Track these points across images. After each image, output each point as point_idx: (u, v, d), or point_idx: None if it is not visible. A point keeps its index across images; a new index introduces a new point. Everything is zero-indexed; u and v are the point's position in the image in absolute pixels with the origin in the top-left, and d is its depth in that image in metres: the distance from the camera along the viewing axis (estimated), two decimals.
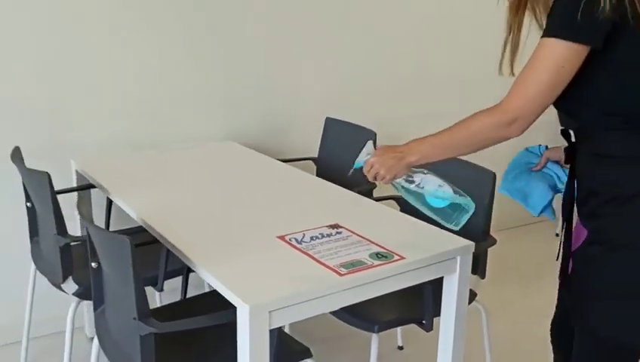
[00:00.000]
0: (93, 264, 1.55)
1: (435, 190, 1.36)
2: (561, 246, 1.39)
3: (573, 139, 1.33)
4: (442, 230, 1.63)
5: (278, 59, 2.68)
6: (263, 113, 2.70)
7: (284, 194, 1.98)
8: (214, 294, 1.86)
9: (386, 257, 1.45)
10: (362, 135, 2.39)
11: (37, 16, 2.17)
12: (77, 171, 2.21)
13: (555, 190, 1.46)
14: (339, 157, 2.52)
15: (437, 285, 1.60)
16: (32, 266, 2.06)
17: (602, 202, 1.23)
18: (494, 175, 1.81)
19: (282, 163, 2.34)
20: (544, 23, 1.22)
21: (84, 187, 2.14)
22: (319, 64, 2.78)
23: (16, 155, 1.92)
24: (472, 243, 1.55)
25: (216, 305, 1.41)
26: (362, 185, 2.22)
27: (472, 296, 1.83)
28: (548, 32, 1.17)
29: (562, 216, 1.38)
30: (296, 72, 2.74)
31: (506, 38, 1.32)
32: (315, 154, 2.64)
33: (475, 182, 1.82)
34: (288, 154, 2.62)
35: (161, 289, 1.85)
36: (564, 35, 1.14)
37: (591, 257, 1.27)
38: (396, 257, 1.45)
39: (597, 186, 1.25)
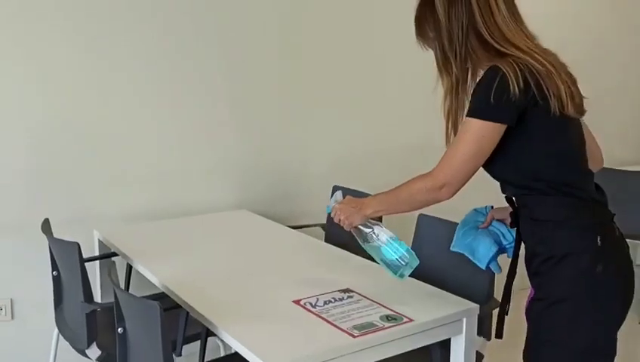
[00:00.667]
0: (119, 329, 1.64)
1: (388, 242, 1.56)
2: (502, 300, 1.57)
3: (516, 204, 1.50)
4: (448, 293, 1.73)
5: (286, 131, 2.85)
6: (272, 182, 2.84)
7: (296, 260, 2.09)
8: (232, 357, 1.94)
9: (395, 319, 1.54)
10: None
11: (62, 91, 2.35)
12: (100, 240, 2.33)
13: (500, 245, 1.58)
14: None
15: (444, 347, 1.68)
16: (55, 332, 2.15)
17: (541, 261, 1.40)
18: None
19: (293, 229, 2.46)
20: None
21: (108, 255, 2.26)
22: (326, 134, 2.95)
23: (46, 226, 2.05)
24: (476, 306, 1.64)
25: None
26: None
27: (479, 357, 1.90)
28: (469, 113, 1.39)
29: (508, 273, 1.56)
30: (304, 142, 2.91)
31: (448, 118, 1.52)
32: (324, 221, 2.75)
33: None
34: (298, 221, 2.74)
35: (179, 354, 1.92)
36: (481, 115, 1.36)
37: (534, 312, 1.43)
38: (405, 319, 1.54)
39: (536, 247, 1.42)
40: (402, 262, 1.55)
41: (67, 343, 2.02)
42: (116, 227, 2.42)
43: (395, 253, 1.55)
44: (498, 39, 1.39)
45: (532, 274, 1.44)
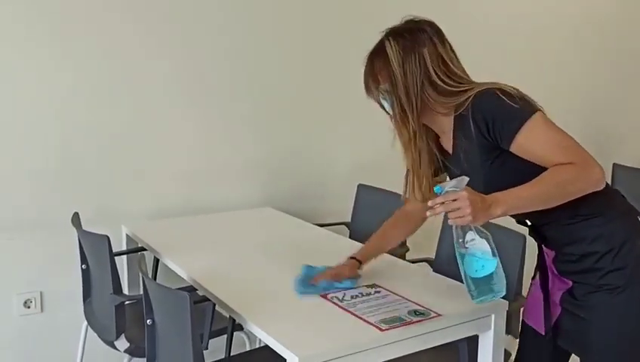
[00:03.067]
0: (148, 321, 1.66)
1: (482, 254, 1.35)
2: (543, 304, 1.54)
3: (529, 223, 1.53)
4: None
5: (311, 131, 2.86)
6: (297, 181, 2.85)
7: (322, 255, 2.08)
8: (259, 351, 1.95)
9: (423, 314, 1.53)
10: (392, 200, 2.51)
11: (94, 92, 2.39)
12: (127, 235, 2.36)
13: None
14: (371, 222, 2.62)
15: (472, 345, 1.67)
16: (84, 324, 2.18)
17: (599, 258, 1.41)
18: (525, 237, 1.89)
19: (318, 227, 2.46)
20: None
21: (136, 250, 2.28)
22: (352, 134, 2.96)
23: (76, 220, 2.08)
24: (505, 302, 1.63)
25: (261, 361, 1.50)
26: (395, 249, 2.32)
27: (507, 355, 1.87)
28: (516, 122, 1.35)
29: (541, 284, 1.56)
30: (330, 142, 2.91)
31: (413, 171, 1.56)
32: (348, 219, 2.75)
33: (506, 245, 1.91)
34: (322, 219, 2.74)
35: (206, 347, 1.93)
36: (529, 114, 1.35)
37: (597, 304, 1.42)
38: (433, 314, 1.53)
39: (589, 247, 1.42)
40: (485, 285, 1.36)
41: (96, 335, 2.05)
42: (144, 223, 2.45)
43: (483, 273, 1.35)
44: (457, 83, 1.44)
45: (587, 271, 1.43)
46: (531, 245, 1.66)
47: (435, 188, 1.35)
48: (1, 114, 2.24)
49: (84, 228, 2.05)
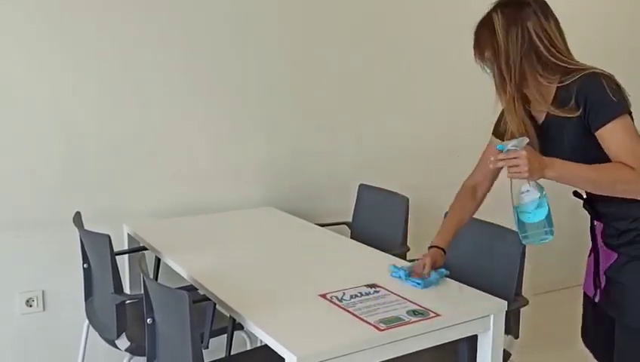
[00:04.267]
0: (148, 320, 1.67)
1: (532, 202, 1.47)
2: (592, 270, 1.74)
3: (585, 196, 1.70)
4: (476, 290, 1.72)
5: (313, 131, 2.86)
6: (299, 180, 2.86)
7: (323, 255, 2.10)
8: (259, 350, 1.95)
9: (422, 314, 1.53)
10: (394, 200, 2.52)
11: (96, 92, 2.40)
12: (129, 234, 2.37)
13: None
14: (372, 222, 2.63)
15: (471, 345, 1.67)
16: (85, 323, 2.19)
17: (636, 234, 1.59)
18: None
19: (319, 226, 2.47)
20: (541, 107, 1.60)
21: (137, 249, 2.29)
22: (352, 134, 2.96)
23: (77, 220, 2.09)
24: (504, 302, 1.63)
25: (261, 360, 1.50)
26: (396, 249, 2.33)
27: (507, 356, 1.88)
28: (609, 113, 1.49)
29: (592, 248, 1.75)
30: (331, 142, 2.91)
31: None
32: (350, 219, 2.76)
33: (505, 244, 1.91)
34: (323, 219, 2.75)
35: (206, 346, 1.94)
36: (620, 114, 1.49)
37: (632, 271, 1.60)
38: (432, 314, 1.54)
39: (626, 225, 1.61)
40: (536, 230, 1.49)
41: (97, 334, 2.06)
42: (145, 222, 2.46)
43: (535, 218, 1.48)
44: (562, 58, 1.56)
45: (628, 244, 1.61)
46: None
47: (497, 146, 1.49)
48: (4, 114, 2.25)
49: (85, 227, 2.06)
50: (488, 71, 1.64)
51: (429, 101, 3.10)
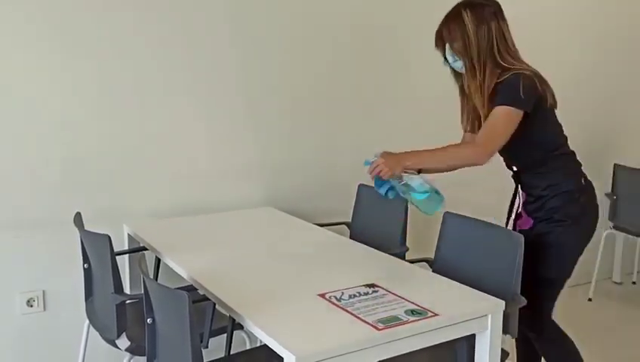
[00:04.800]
0: (148, 320, 1.68)
1: (419, 185, 1.85)
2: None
3: (515, 169, 2.12)
4: (473, 289, 1.73)
5: (312, 131, 2.87)
6: (298, 180, 2.87)
7: (321, 255, 2.11)
8: (259, 350, 1.97)
9: (420, 314, 1.55)
10: (392, 200, 2.52)
11: (97, 92, 2.41)
12: (129, 235, 2.38)
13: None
14: (371, 222, 2.64)
15: (469, 344, 1.68)
16: (86, 323, 2.20)
17: (550, 198, 2.01)
18: (522, 238, 1.90)
19: (318, 226, 2.48)
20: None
21: (137, 249, 2.30)
22: (352, 134, 2.97)
23: (78, 220, 2.10)
24: (502, 302, 1.64)
25: (260, 360, 1.51)
26: (396, 249, 2.34)
27: (505, 355, 1.89)
28: (503, 102, 1.89)
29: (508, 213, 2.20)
30: (330, 142, 2.92)
31: (472, 110, 2.05)
32: (349, 219, 2.77)
33: (503, 245, 1.92)
34: (323, 219, 2.76)
35: (206, 346, 1.95)
36: (513, 104, 1.88)
37: (542, 232, 2.05)
38: (430, 314, 1.55)
39: (546, 190, 2.02)
40: (430, 202, 1.84)
41: (97, 334, 2.07)
42: (145, 222, 2.47)
43: (426, 193, 1.83)
44: (507, 59, 1.93)
45: (538, 209, 2.05)
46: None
47: (364, 163, 1.91)
48: (4, 114, 2.26)
49: (86, 227, 2.07)
50: (451, 60, 1.99)
51: (429, 101, 3.11)
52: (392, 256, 2.07)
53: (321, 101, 2.89)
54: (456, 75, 2.07)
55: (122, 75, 2.44)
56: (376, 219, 2.60)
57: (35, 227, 2.35)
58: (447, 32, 1.96)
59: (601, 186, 3.75)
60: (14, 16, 2.23)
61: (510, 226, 2.17)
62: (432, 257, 2.20)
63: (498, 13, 1.94)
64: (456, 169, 2.00)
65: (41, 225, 2.36)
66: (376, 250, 2.13)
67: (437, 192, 1.84)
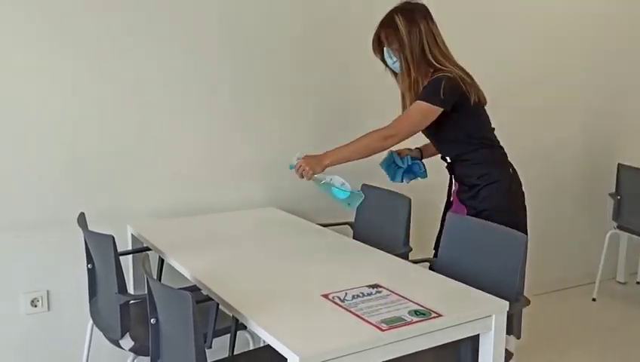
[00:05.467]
0: (152, 320, 1.68)
1: (341, 184, 2.10)
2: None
3: (449, 160, 2.30)
4: (477, 290, 1.73)
5: (315, 131, 2.87)
6: (301, 181, 2.84)
7: (325, 256, 2.11)
8: (262, 350, 1.97)
9: (424, 314, 1.54)
10: (396, 201, 2.52)
11: (99, 94, 2.42)
12: (132, 235, 2.38)
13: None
14: (374, 222, 2.64)
15: (473, 345, 1.68)
16: (90, 323, 2.21)
17: (482, 187, 2.18)
18: (526, 239, 1.90)
19: (321, 227, 2.48)
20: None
21: (141, 249, 2.31)
22: (356, 133, 2.96)
23: (82, 220, 2.11)
24: (506, 302, 1.63)
25: (263, 360, 1.51)
26: (399, 249, 2.34)
27: (509, 356, 1.88)
28: (423, 98, 2.10)
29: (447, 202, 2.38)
30: (334, 141, 2.91)
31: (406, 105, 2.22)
32: (352, 219, 2.76)
33: (506, 244, 1.92)
34: (326, 219, 2.76)
35: (209, 346, 1.95)
36: (431, 102, 2.09)
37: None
38: (434, 314, 1.54)
39: (477, 180, 2.19)
40: (352, 200, 2.10)
41: (101, 334, 2.08)
42: (149, 223, 2.48)
43: (345, 192, 2.10)
44: (437, 58, 2.13)
45: (472, 197, 2.21)
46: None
47: (289, 167, 2.11)
48: (7, 116, 2.27)
49: (89, 228, 2.07)
50: (390, 62, 2.21)
51: None
52: (395, 257, 2.07)
53: (325, 100, 2.89)
54: (397, 77, 2.26)
55: (123, 76, 2.44)
56: (380, 220, 2.60)
57: (39, 228, 2.36)
58: (384, 36, 2.17)
59: (605, 186, 3.77)
60: (14, 16, 2.24)
61: (441, 212, 2.38)
62: (436, 258, 2.20)
63: (427, 15, 2.15)
64: (374, 154, 2.18)
65: (44, 225, 2.36)
66: (379, 251, 2.13)
67: (357, 191, 2.11)
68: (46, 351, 2.42)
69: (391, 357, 1.48)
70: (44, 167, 2.34)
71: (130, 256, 2.41)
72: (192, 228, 2.40)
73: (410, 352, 1.50)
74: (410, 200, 2.47)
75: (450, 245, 2.13)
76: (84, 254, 2.17)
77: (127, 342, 1.92)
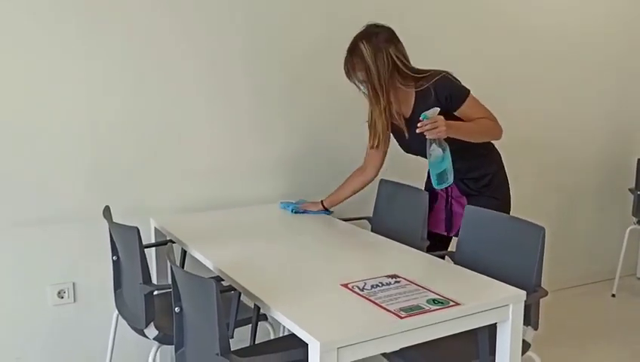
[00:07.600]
0: (176, 309, 1.73)
1: (444, 157, 2.07)
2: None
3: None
4: (495, 280, 1.75)
5: (334, 127, 2.91)
6: (320, 176, 2.90)
7: (344, 247, 2.14)
8: (283, 339, 2.01)
9: (442, 303, 1.57)
10: (414, 195, 2.54)
11: (124, 91, 2.48)
12: (156, 229, 2.44)
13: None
14: (392, 217, 2.66)
15: (491, 334, 1.70)
16: (115, 313, 2.27)
17: (483, 177, 2.34)
18: (544, 230, 1.91)
19: (340, 220, 2.51)
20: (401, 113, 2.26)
21: (164, 242, 2.36)
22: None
23: (107, 213, 2.17)
24: (523, 292, 1.65)
25: (285, 348, 1.55)
26: (417, 243, 2.36)
27: (526, 346, 1.90)
28: (465, 96, 2.19)
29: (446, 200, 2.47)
30: (352, 139, 2.95)
31: (382, 132, 2.30)
32: (370, 214, 2.79)
33: (525, 236, 1.94)
34: (344, 214, 2.78)
35: (231, 336, 2.00)
36: (469, 92, 2.20)
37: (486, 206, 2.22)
38: (452, 303, 1.57)
39: (480, 173, 2.34)
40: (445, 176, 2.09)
41: (126, 324, 2.13)
42: (172, 216, 2.53)
43: (444, 165, 2.07)
44: (414, 69, 2.19)
45: (476, 189, 2.34)
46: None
47: (421, 116, 2.00)
48: (42, 116, 2.34)
49: (115, 220, 2.13)
50: (362, 88, 2.19)
51: None
52: (413, 248, 2.09)
53: (342, 97, 2.91)
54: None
55: (150, 74, 2.50)
56: (398, 214, 2.61)
57: (66, 221, 2.42)
58: (351, 65, 2.17)
59: (625, 182, 3.75)
60: (47, 16, 2.30)
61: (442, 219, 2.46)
62: (453, 250, 2.22)
63: (392, 37, 2.16)
64: (479, 141, 2.26)
65: (71, 219, 2.43)
66: (396, 242, 2.15)
67: (448, 172, 2.09)
68: (72, 341, 2.48)
69: (409, 344, 1.51)
70: (72, 164, 2.41)
71: (154, 249, 2.47)
72: (213, 221, 2.45)
73: (428, 339, 1.52)
74: (427, 194, 2.49)
75: (470, 235, 2.14)
76: (109, 247, 2.23)
77: (151, 331, 1.97)
